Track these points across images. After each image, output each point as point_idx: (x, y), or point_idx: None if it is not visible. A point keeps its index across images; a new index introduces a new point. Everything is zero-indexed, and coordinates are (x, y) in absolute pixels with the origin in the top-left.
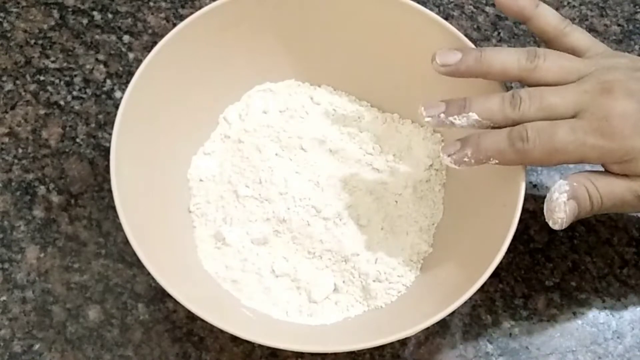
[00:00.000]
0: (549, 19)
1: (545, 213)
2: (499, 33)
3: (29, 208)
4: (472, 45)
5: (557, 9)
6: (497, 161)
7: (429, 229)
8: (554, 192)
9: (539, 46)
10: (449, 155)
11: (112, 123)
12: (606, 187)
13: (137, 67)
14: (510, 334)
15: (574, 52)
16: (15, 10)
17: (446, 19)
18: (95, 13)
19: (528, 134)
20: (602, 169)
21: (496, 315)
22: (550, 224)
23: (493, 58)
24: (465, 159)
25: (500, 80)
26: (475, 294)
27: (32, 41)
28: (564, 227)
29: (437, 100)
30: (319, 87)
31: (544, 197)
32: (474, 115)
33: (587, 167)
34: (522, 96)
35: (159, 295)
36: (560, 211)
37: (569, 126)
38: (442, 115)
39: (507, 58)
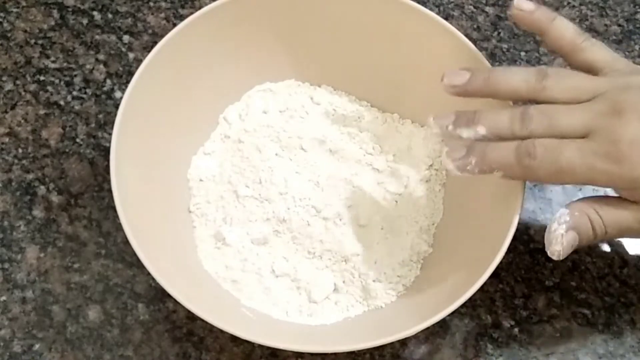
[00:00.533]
0: (565, 32)
1: (545, 242)
2: (499, 33)
3: (29, 208)
4: (472, 45)
5: (557, 9)
6: (501, 174)
7: (429, 229)
8: (554, 222)
9: (538, 47)
10: (452, 160)
11: (112, 123)
12: (612, 216)
13: (137, 67)
14: (510, 334)
15: (591, 68)
16: (15, 10)
17: (446, 19)
18: (95, 13)
19: (536, 151)
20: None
21: (496, 315)
22: (548, 254)
23: (501, 79)
24: (469, 167)
25: (510, 100)
26: (475, 294)
27: (32, 41)
28: (561, 258)
29: (448, 112)
30: (319, 87)
31: (544, 197)
32: (482, 130)
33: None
34: (532, 114)
35: (159, 295)
36: (557, 244)
37: (576, 147)
38: (450, 126)
39: (515, 78)
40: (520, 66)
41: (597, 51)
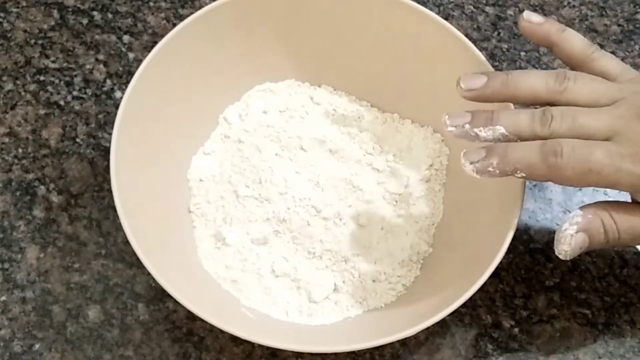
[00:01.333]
0: (575, 44)
1: (554, 241)
2: (499, 33)
3: (29, 208)
4: (472, 45)
5: (557, 9)
6: (523, 175)
7: (429, 229)
8: (565, 222)
9: (538, 47)
10: (471, 163)
11: (112, 123)
12: (626, 221)
13: (137, 67)
14: (510, 334)
15: (604, 77)
16: (15, 10)
17: (446, 19)
18: (95, 13)
19: (563, 150)
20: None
21: (496, 315)
22: (556, 252)
23: (520, 81)
24: (490, 169)
25: (528, 103)
26: (475, 294)
27: (32, 41)
28: (569, 259)
29: (462, 111)
30: (319, 87)
31: (544, 197)
32: (500, 129)
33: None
34: (554, 114)
35: (159, 295)
36: (565, 243)
37: (605, 148)
38: (467, 125)
39: (535, 80)
40: (536, 69)
41: (609, 61)
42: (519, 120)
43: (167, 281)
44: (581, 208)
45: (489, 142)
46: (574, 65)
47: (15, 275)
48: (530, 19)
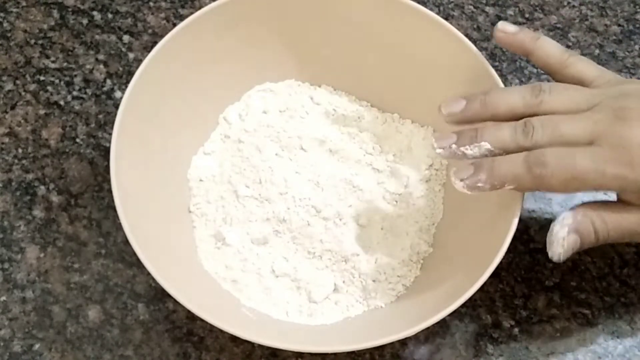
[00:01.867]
0: (550, 51)
1: (546, 244)
2: None
3: (29, 208)
4: (472, 46)
5: (557, 9)
6: (512, 187)
7: (429, 229)
8: (556, 224)
9: None
10: (461, 180)
11: (112, 123)
12: (615, 220)
13: (137, 67)
14: (510, 334)
15: (580, 83)
16: (15, 10)
17: (446, 19)
18: (95, 13)
19: (547, 160)
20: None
21: (496, 315)
22: (549, 255)
23: (498, 100)
24: (479, 184)
25: (508, 120)
26: (475, 294)
27: (32, 41)
28: (562, 260)
29: (448, 132)
30: (319, 87)
31: (544, 197)
32: (486, 145)
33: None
34: (535, 124)
35: (159, 295)
36: (558, 246)
37: (588, 154)
38: (454, 146)
39: (511, 97)
40: (512, 86)
41: (584, 65)
42: (502, 135)
43: (167, 281)
44: (570, 209)
45: (476, 158)
46: (551, 71)
47: (15, 275)
48: (505, 29)
